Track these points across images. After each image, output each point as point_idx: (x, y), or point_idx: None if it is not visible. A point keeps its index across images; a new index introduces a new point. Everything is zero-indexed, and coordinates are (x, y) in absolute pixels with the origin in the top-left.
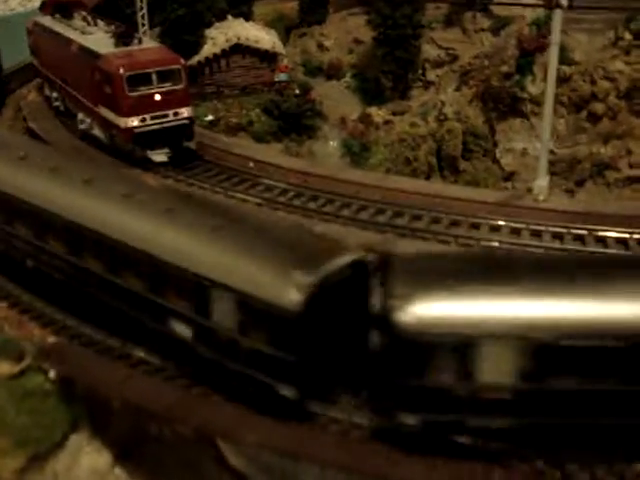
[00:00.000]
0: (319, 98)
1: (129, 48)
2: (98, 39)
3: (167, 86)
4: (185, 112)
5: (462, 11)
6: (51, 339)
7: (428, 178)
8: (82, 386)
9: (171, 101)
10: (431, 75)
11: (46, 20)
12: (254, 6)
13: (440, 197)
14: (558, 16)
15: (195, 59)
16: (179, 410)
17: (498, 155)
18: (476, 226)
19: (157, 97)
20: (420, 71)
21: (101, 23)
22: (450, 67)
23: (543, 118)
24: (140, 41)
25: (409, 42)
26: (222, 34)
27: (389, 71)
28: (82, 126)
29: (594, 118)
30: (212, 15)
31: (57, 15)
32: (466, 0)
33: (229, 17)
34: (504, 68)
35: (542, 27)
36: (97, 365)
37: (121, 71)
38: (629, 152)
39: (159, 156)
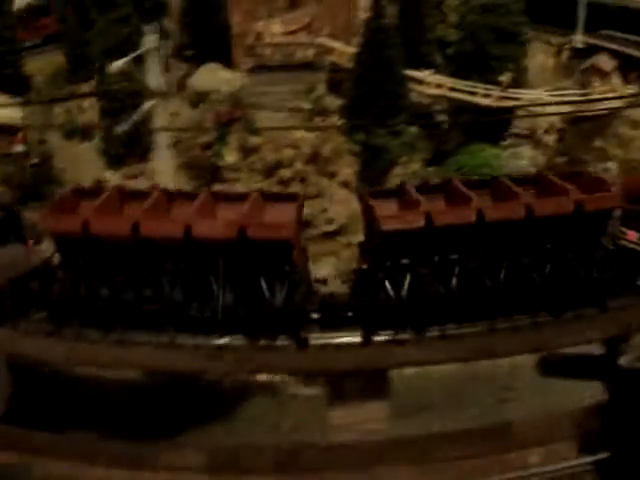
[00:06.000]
0: (63, 164)
1: None
2: None
3: None
4: None
5: None
6: None
7: None
8: None
9: None
10: None
11: None
12: (27, 63)
13: None
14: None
15: None
16: None
17: None
18: None
19: None
20: None
21: None
22: None
23: None
24: None
25: None
26: None
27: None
28: None
29: (285, 183)
30: None
31: None
32: None
33: None
34: (204, 139)
35: (235, 100)
36: None
37: None
38: (324, 210)
39: None
